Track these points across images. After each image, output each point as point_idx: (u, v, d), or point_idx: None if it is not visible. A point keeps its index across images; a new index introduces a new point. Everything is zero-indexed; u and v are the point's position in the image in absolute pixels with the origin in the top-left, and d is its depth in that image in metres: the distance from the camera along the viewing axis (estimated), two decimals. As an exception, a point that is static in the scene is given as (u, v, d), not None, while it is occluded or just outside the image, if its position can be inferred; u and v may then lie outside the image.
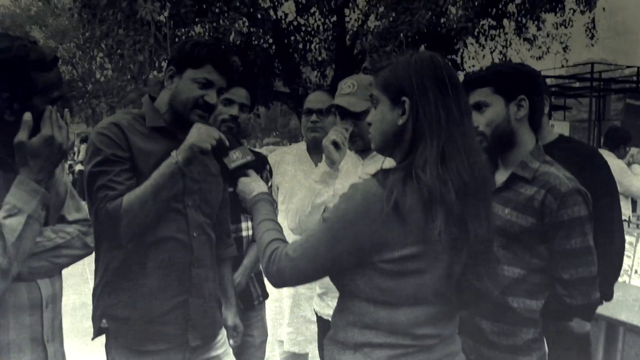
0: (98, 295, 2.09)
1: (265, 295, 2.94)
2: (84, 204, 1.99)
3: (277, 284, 1.58)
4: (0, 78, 1.57)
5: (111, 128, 2.00)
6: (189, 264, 2.08)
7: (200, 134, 1.93)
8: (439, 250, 1.44)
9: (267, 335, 2.99)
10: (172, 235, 2.04)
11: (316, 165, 3.07)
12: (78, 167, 15.57)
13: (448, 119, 1.47)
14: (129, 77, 11.08)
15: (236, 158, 1.87)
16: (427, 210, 1.42)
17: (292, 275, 1.53)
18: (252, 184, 1.82)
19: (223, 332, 2.31)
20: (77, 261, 1.87)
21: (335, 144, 2.33)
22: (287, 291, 3.06)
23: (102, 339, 2.11)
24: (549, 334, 2.06)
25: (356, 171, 2.53)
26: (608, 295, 2.42)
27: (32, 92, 1.63)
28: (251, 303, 2.84)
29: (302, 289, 2.99)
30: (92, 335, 2.13)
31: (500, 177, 2.05)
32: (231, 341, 2.37)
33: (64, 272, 1.86)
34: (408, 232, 1.43)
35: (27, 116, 1.62)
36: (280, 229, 1.67)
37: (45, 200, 1.64)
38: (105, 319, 2.06)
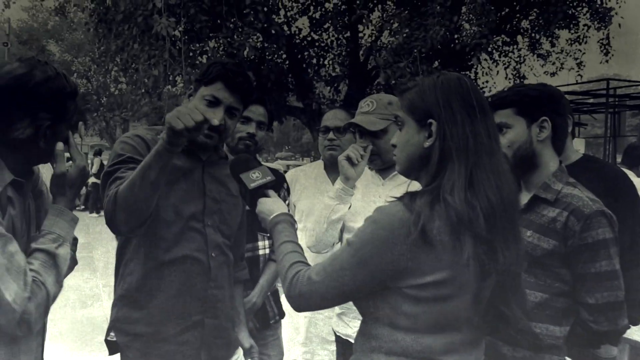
0: (114, 306, 2.10)
1: (282, 315, 2.91)
2: None
3: (299, 308, 1.55)
4: (45, 106, 1.61)
5: (135, 138, 2.01)
6: (206, 284, 2.06)
7: (177, 112, 1.73)
8: (467, 276, 1.41)
9: (283, 355, 2.96)
10: (191, 254, 2.02)
11: (333, 183, 3.06)
12: (92, 179, 15.60)
13: (476, 141, 1.44)
14: (143, 91, 11.15)
15: (256, 178, 1.84)
16: (455, 236, 1.38)
17: (314, 299, 1.50)
18: (272, 205, 1.78)
19: (239, 352, 2.28)
20: None
21: (350, 160, 2.30)
22: (303, 311, 3.01)
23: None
24: (573, 358, 2.01)
25: (376, 190, 2.50)
26: (636, 320, 2.36)
27: (64, 119, 1.68)
28: (267, 322, 2.81)
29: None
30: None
31: (523, 199, 2.02)
32: None
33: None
34: (435, 257, 1.40)
35: (60, 146, 1.68)
36: (301, 251, 1.63)
37: (74, 224, 1.69)
38: (115, 332, 2.06)
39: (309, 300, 1.50)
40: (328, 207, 2.35)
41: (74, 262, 1.87)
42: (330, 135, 3.01)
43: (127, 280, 2.05)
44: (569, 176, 2.00)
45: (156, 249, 2.00)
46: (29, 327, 1.49)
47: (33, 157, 1.68)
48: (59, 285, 1.56)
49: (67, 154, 1.74)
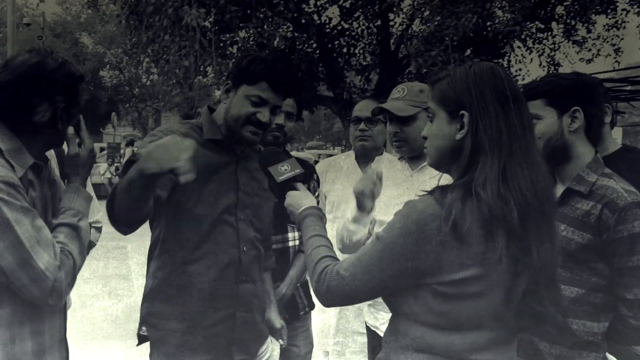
0: (145, 301, 2.10)
1: (312, 306, 2.90)
2: None
3: (327, 303, 1.53)
4: (61, 90, 1.72)
5: (165, 133, 1.98)
6: (237, 278, 2.07)
7: (151, 151, 1.62)
8: (500, 273, 1.37)
9: (312, 346, 2.95)
10: (223, 247, 2.03)
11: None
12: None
13: (510, 134, 1.39)
14: (174, 81, 11.23)
15: (284, 171, 1.83)
16: (488, 231, 1.34)
17: (342, 295, 1.47)
18: (300, 198, 1.77)
19: (267, 342, 2.30)
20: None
21: (363, 194, 2.10)
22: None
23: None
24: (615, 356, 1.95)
25: (405, 182, 2.46)
26: None
27: (76, 102, 1.78)
28: (297, 313, 2.81)
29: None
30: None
31: (557, 191, 1.96)
32: (280, 341, 2.35)
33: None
34: (467, 253, 1.36)
35: (72, 129, 1.78)
36: (330, 245, 1.61)
37: (89, 202, 1.80)
38: (147, 327, 2.07)
39: (337, 295, 1.48)
40: (348, 230, 2.19)
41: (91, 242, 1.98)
42: (362, 125, 3.00)
43: (158, 275, 2.06)
44: (605, 167, 1.93)
45: (187, 243, 2.01)
46: (59, 296, 1.60)
47: (50, 140, 1.78)
48: (82, 256, 1.66)
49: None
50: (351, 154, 3.17)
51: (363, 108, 3.03)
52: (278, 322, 2.33)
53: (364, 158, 3.07)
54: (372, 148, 3.02)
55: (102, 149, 22.06)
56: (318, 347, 3.13)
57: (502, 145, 1.38)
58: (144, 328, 2.09)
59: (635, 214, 1.77)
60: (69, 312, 2.04)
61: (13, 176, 1.60)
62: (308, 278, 2.65)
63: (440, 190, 1.41)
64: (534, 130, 1.48)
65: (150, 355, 2.09)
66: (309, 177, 2.87)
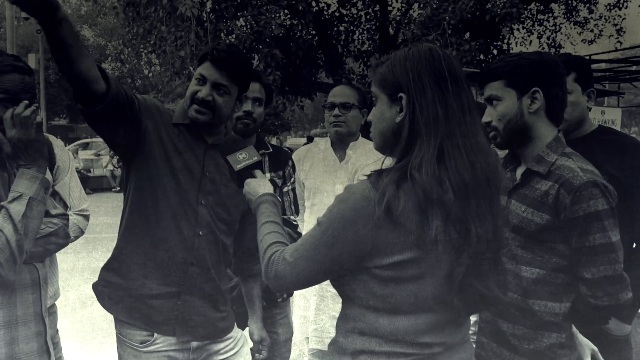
0: (110, 257, 2.20)
1: (290, 293, 2.90)
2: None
3: (276, 288, 1.54)
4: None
5: (150, 99, 2.14)
6: (186, 259, 2.10)
7: None
8: (438, 255, 1.36)
9: (292, 333, 2.96)
10: (179, 226, 2.08)
11: (340, 160, 3.03)
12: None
13: (447, 115, 1.38)
14: (172, 72, 11.21)
15: (242, 159, 1.84)
16: (423, 213, 1.34)
17: (289, 279, 1.48)
18: (257, 185, 1.77)
19: (235, 340, 2.30)
20: (62, 249, 2.11)
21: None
22: (313, 289, 3.01)
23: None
24: (586, 337, 1.93)
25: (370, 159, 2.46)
26: None
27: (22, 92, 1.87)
28: (275, 300, 2.81)
29: (329, 286, 2.93)
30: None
31: (520, 172, 1.95)
32: (257, 355, 2.38)
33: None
34: (403, 236, 1.35)
35: (8, 113, 1.81)
36: (282, 232, 1.61)
37: (44, 184, 1.85)
38: (102, 283, 2.18)
39: (284, 280, 1.48)
40: None
41: (67, 238, 2.09)
42: (336, 111, 2.99)
43: (123, 236, 2.16)
44: (567, 147, 1.91)
45: (149, 215, 2.08)
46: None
47: None
48: (18, 233, 1.76)
49: None
50: (327, 140, 3.16)
51: (338, 94, 3.02)
52: (257, 334, 2.36)
53: (340, 144, 3.06)
54: (346, 134, 3.01)
55: (105, 142, 22.05)
56: (298, 333, 3.13)
57: (439, 127, 1.37)
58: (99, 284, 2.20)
59: (591, 193, 1.75)
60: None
61: None
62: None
63: (377, 174, 1.41)
64: (475, 112, 1.46)
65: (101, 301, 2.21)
66: (283, 164, 2.86)
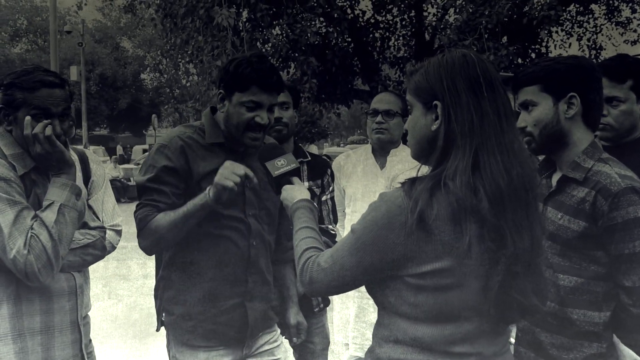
0: (159, 290, 2.23)
1: (327, 303, 2.92)
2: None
3: (310, 293, 1.58)
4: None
5: (171, 143, 2.10)
6: (246, 270, 2.15)
7: (223, 173, 1.96)
8: (472, 264, 1.35)
9: (328, 343, 2.96)
10: (233, 241, 2.12)
11: (381, 167, 3.02)
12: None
13: (482, 122, 1.37)
14: (209, 81, 11.34)
15: (280, 165, 1.88)
16: (457, 222, 1.33)
17: (323, 285, 1.50)
18: (294, 192, 1.79)
19: (277, 333, 2.38)
20: (98, 260, 2.18)
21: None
22: (353, 295, 3.02)
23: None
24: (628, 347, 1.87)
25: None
26: None
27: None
28: (311, 310, 2.82)
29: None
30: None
31: (555, 179, 1.91)
32: (295, 339, 2.40)
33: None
34: (435, 245, 1.35)
35: (37, 129, 1.91)
36: (317, 237, 1.63)
37: (74, 190, 1.96)
38: (164, 313, 2.20)
39: (318, 286, 1.51)
40: None
41: (105, 251, 2.18)
42: (379, 118, 3.00)
43: (171, 265, 2.17)
44: (604, 152, 1.87)
45: (199, 237, 2.10)
46: (34, 275, 1.82)
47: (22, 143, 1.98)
48: (53, 240, 1.84)
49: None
50: (368, 147, 3.17)
51: (381, 101, 3.03)
52: (294, 318, 2.38)
53: (381, 151, 3.07)
54: (388, 141, 3.01)
55: (144, 151, 22.48)
56: (338, 339, 3.14)
57: (474, 134, 1.36)
58: (163, 314, 2.22)
59: (630, 199, 1.71)
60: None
61: (10, 173, 1.88)
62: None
63: (410, 182, 1.41)
64: (512, 118, 1.44)
65: (167, 341, 2.23)
66: (322, 172, 2.88)
